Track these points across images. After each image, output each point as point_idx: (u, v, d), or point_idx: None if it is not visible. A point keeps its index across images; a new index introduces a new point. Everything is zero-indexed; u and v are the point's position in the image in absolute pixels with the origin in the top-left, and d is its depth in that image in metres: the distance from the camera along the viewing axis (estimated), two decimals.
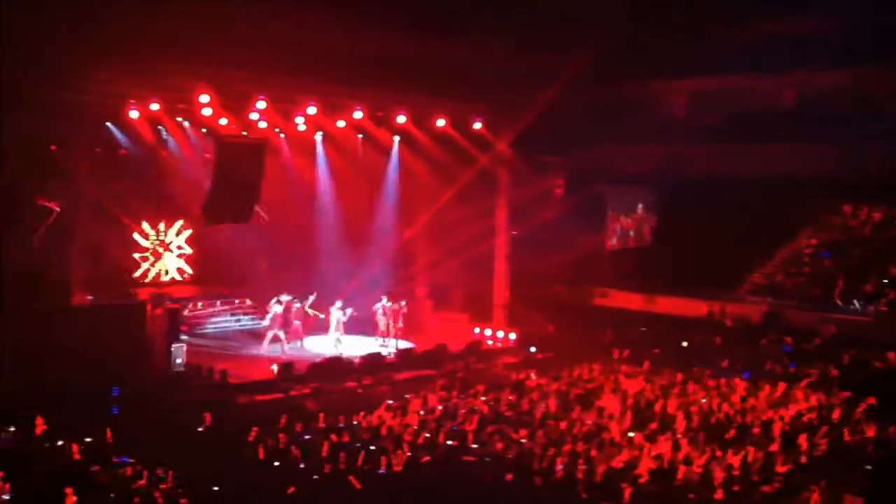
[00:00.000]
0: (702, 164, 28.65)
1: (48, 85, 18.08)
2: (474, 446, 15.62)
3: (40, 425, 14.28)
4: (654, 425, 16.59)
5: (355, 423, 16.65)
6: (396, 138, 26.55)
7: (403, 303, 25.02)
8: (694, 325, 25.70)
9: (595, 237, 30.81)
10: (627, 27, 24.61)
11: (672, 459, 14.57)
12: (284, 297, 23.55)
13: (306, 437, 15.47)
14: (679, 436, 15.97)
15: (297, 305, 23.92)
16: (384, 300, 24.85)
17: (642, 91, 29.82)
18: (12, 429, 14.09)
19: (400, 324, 24.76)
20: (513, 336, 25.79)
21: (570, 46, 23.74)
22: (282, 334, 23.26)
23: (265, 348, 23.08)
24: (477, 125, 25.88)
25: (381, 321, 24.70)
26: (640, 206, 31.85)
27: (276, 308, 23.26)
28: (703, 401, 18.29)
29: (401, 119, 24.78)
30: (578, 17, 23.58)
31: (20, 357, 16.79)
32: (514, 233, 27.79)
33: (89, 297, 21.92)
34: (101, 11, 17.58)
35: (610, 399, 18.27)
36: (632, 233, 32.03)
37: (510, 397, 18.81)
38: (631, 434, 16.01)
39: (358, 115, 24.02)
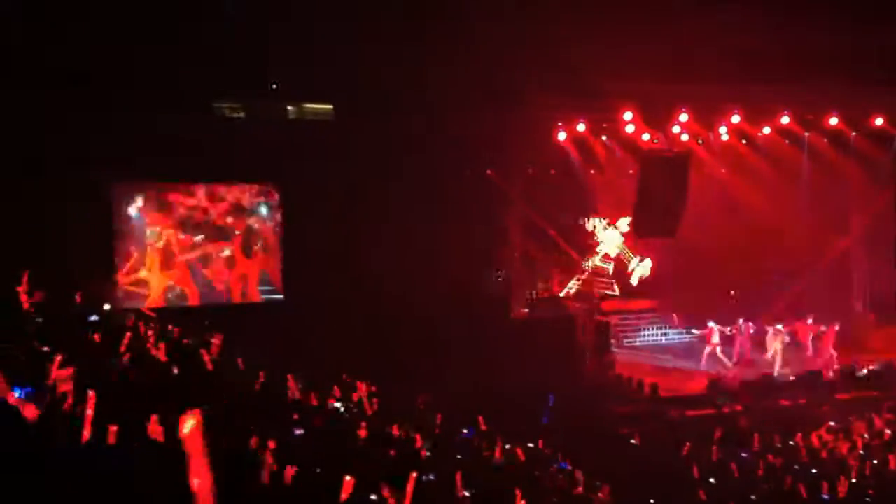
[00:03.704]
0: None
1: (485, 110, 19.73)
2: None
3: (483, 425, 15.42)
4: None
5: (792, 443, 15.90)
6: (826, 141, 24.89)
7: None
8: None
9: None
10: None
11: None
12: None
13: (742, 454, 15.07)
14: None
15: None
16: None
17: None
18: (465, 431, 15.35)
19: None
20: None
21: None
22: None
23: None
24: None
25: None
26: None
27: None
28: None
29: (833, 121, 23.25)
30: None
31: (471, 366, 18.38)
32: None
33: (525, 311, 23.36)
34: (536, 37, 18.72)
35: None
36: None
37: None
38: None
39: (785, 119, 22.99)
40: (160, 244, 19.75)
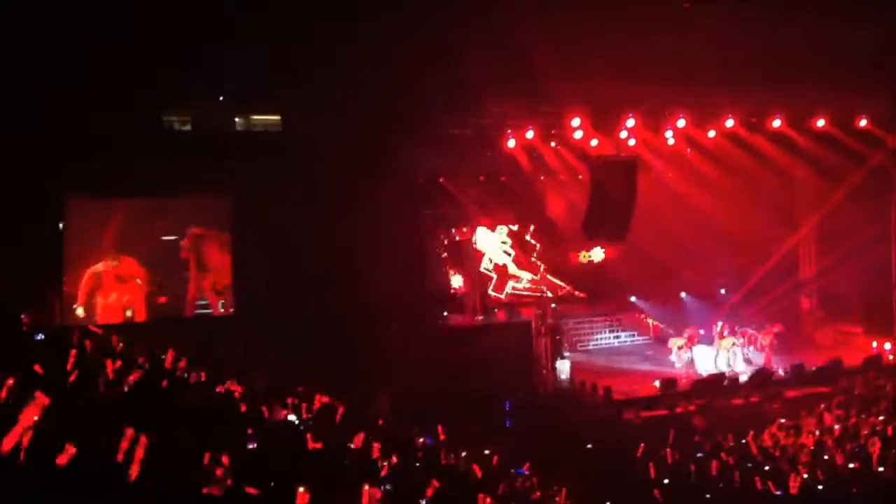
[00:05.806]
0: None
1: (439, 120, 19.72)
2: (880, 470, 14.38)
3: (441, 434, 15.38)
4: None
5: (744, 441, 16.10)
6: (771, 143, 25.29)
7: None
8: None
9: None
10: None
11: None
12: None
13: (698, 454, 15.22)
14: None
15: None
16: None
17: None
18: (421, 439, 15.31)
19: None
20: None
21: None
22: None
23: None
24: (863, 122, 23.92)
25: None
26: None
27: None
28: None
29: (776, 123, 23.65)
30: None
31: (423, 371, 18.32)
32: None
33: (479, 318, 23.42)
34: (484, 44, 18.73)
35: None
36: None
37: None
38: None
39: (729, 123, 23.33)
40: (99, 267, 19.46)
